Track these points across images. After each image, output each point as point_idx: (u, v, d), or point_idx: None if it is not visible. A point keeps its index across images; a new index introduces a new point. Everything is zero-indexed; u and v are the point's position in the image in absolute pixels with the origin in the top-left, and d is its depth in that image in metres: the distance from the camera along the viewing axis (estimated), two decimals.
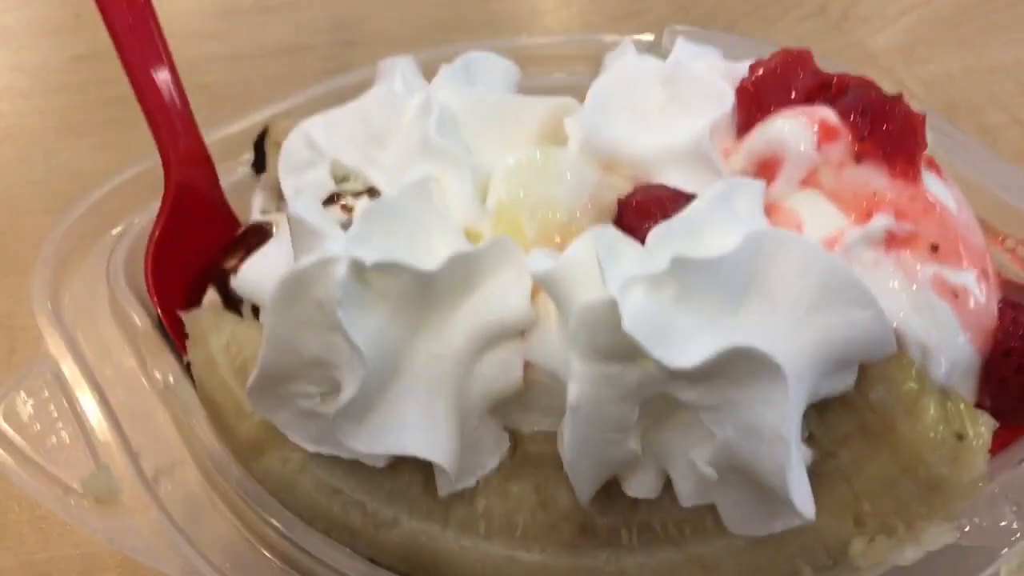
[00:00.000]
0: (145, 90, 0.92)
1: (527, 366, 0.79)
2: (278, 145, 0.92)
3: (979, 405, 0.79)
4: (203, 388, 0.85)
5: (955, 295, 0.76)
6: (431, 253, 0.76)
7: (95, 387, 0.84)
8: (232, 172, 1.03)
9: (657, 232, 0.71)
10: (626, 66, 0.88)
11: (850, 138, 0.77)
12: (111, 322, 0.91)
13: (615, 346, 0.68)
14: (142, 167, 0.98)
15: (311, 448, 0.80)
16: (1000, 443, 0.78)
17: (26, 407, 0.82)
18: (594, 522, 0.78)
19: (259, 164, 1.02)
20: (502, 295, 0.76)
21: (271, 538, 0.80)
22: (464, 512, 0.80)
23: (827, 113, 0.78)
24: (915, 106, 0.84)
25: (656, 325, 0.66)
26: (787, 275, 0.69)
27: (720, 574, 0.75)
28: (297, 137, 0.88)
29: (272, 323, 0.74)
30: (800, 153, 0.77)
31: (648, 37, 1.10)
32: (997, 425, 0.74)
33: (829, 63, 1.44)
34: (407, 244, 0.76)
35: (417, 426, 0.75)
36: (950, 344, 0.75)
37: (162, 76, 0.94)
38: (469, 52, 0.96)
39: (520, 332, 0.78)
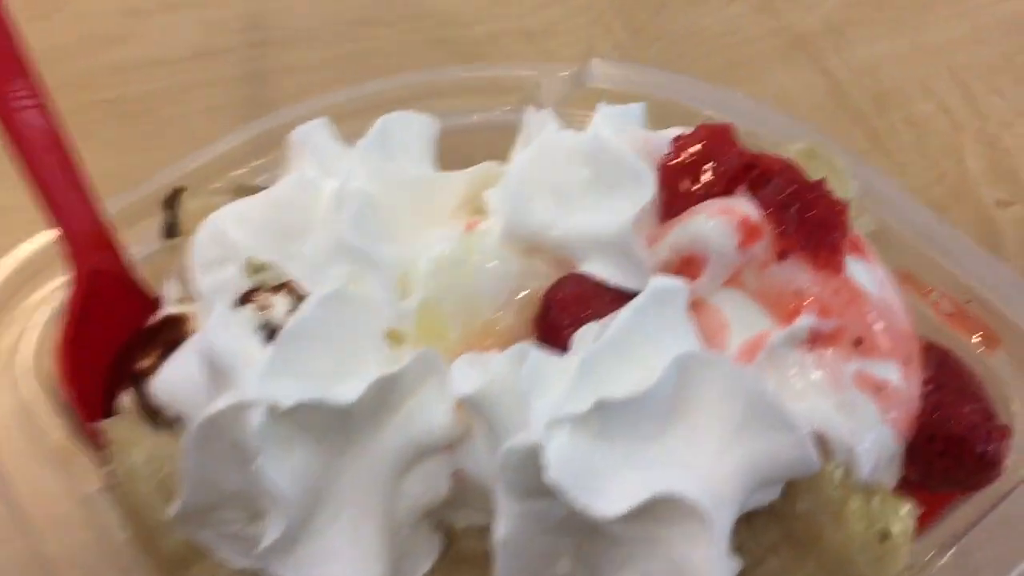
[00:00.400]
0: (40, 181, 0.87)
1: (457, 471, 0.78)
2: (188, 234, 0.88)
3: (905, 478, 0.81)
4: (126, 498, 0.83)
5: (878, 389, 0.76)
6: (351, 377, 0.74)
7: (11, 507, 0.82)
8: (143, 241, 0.99)
9: (581, 355, 0.70)
10: (547, 142, 0.85)
11: (773, 235, 0.76)
12: (23, 425, 0.88)
13: (541, 485, 0.67)
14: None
15: (239, 565, 0.79)
16: (924, 514, 0.80)
17: None
18: None
19: (170, 230, 0.98)
20: (426, 414, 0.75)
21: None
22: None
23: (749, 210, 0.76)
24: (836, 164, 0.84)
25: (580, 471, 0.66)
26: (711, 400, 0.69)
27: None
28: (208, 233, 0.84)
29: (191, 465, 0.72)
30: (723, 255, 0.75)
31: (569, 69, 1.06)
32: (920, 511, 0.76)
33: (759, 49, 1.41)
34: (325, 370, 0.74)
35: (345, 555, 0.74)
36: (874, 441, 0.75)
37: (56, 158, 0.89)
38: (384, 117, 0.92)
39: (447, 445, 0.77)
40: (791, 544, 0.74)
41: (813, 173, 0.85)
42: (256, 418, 0.69)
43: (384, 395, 0.74)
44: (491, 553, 0.76)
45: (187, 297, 0.90)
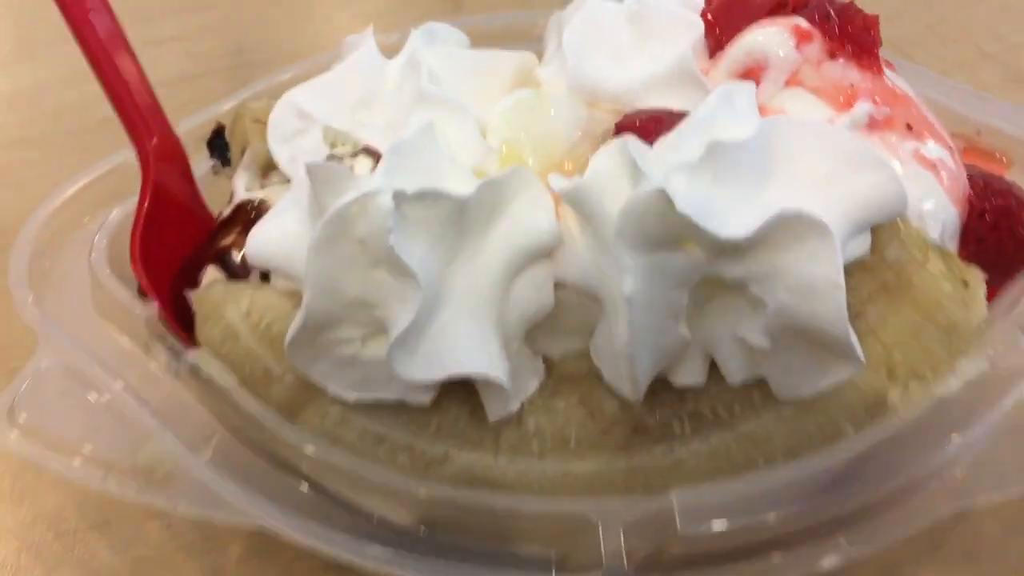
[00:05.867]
0: (116, 88, 0.90)
1: (556, 286, 0.81)
2: (258, 123, 0.91)
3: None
4: (225, 362, 0.83)
5: (934, 166, 0.83)
6: (459, 183, 0.78)
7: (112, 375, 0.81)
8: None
9: (678, 132, 0.75)
10: (589, 12, 0.92)
11: (822, 39, 0.84)
12: (103, 320, 0.87)
13: (664, 234, 0.71)
14: (109, 165, 0.96)
15: (353, 396, 0.79)
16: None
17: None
18: (645, 421, 0.80)
19: (223, 159, 1.02)
20: (530, 218, 0.79)
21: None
22: (515, 435, 0.80)
23: (798, 19, 0.85)
24: None
25: (704, 204, 0.70)
26: (804, 152, 0.75)
27: (771, 446, 0.78)
28: (285, 107, 0.88)
29: (315, 267, 0.74)
30: (782, 58, 0.83)
31: None
32: (986, 276, 0.82)
33: None
34: (436, 176, 0.77)
35: (470, 347, 0.76)
36: (939, 208, 0.82)
37: (131, 70, 0.92)
38: (428, 23, 0.98)
39: (549, 253, 0.80)
40: (885, 292, 0.78)
41: None
42: (385, 202, 0.71)
43: (492, 199, 0.78)
44: (591, 371, 0.79)
45: (255, 186, 0.93)
